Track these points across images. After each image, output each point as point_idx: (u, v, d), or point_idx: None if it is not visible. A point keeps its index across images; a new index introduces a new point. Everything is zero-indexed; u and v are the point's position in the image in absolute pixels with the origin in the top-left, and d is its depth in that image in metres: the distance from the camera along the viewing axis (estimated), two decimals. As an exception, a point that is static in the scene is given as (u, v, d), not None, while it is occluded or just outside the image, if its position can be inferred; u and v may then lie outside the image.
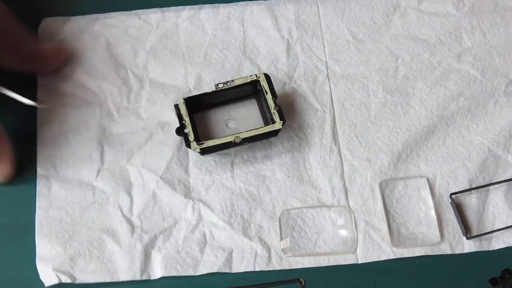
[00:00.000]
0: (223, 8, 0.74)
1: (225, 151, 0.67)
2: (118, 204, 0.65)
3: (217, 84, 0.66)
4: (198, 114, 0.69)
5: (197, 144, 0.64)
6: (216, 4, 0.74)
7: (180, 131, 0.65)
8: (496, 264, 0.65)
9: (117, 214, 0.65)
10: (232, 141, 0.64)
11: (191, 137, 0.64)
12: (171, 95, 0.69)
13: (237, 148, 0.67)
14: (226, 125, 0.68)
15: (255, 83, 0.67)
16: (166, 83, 0.70)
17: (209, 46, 0.72)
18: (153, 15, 0.73)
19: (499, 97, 0.70)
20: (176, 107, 0.65)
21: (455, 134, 0.68)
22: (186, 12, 0.73)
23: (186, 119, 0.64)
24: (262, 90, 0.65)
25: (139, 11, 0.73)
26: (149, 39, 0.72)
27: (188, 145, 0.64)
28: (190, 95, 0.67)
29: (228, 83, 0.66)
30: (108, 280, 0.63)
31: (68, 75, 0.70)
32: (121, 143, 0.67)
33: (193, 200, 0.66)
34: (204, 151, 0.64)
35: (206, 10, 0.73)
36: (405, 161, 0.68)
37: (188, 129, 0.64)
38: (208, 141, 0.64)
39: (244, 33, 0.72)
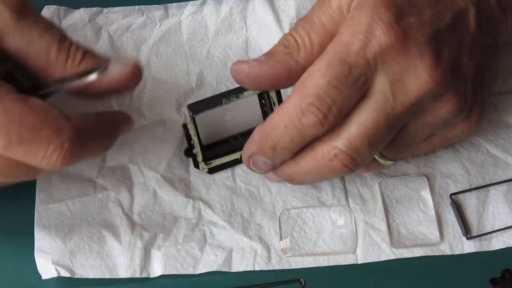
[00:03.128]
0: (225, 4, 0.73)
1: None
2: (119, 201, 0.65)
3: (224, 99, 0.62)
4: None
5: (205, 164, 0.65)
6: (219, -2, 0.74)
7: (188, 152, 0.66)
8: (496, 264, 0.65)
9: (117, 210, 0.65)
10: (238, 159, 0.65)
11: (200, 158, 0.65)
12: (173, 92, 0.69)
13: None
14: (225, 119, 0.68)
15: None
16: (168, 81, 0.70)
17: (212, 44, 0.72)
18: (157, 12, 0.73)
19: (498, 97, 0.70)
20: (185, 127, 0.64)
21: (455, 133, 0.68)
22: (189, 8, 0.73)
23: (195, 139, 0.65)
24: (270, 102, 0.65)
25: (143, 6, 0.73)
26: (151, 36, 0.72)
27: (196, 165, 0.65)
28: (197, 104, 0.63)
29: (238, 96, 0.62)
30: (107, 276, 0.63)
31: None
32: (123, 141, 0.67)
33: (193, 199, 0.66)
34: (211, 171, 0.66)
35: (209, 6, 0.73)
36: (405, 161, 0.68)
37: (197, 149, 0.65)
38: (215, 160, 0.65)
39: (246, 31, 0.72)
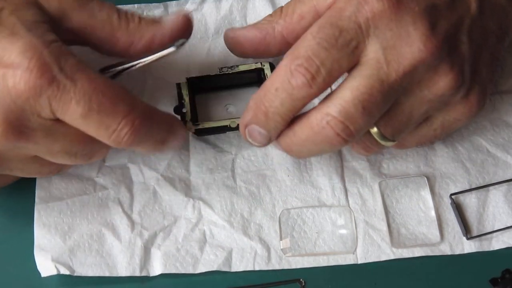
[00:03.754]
0: (225, 2, 0.73)
1: (226, 149, 0.68)
2: (119, 200, 0.65)
3: (221, 68, 0.66)
4: (200, 95, 0.69)
5: (192, 124, 0.64)
6: (219, -4, 0.74)
7: (178, 109, 0.65)
8: (496, 264, 0.65)
9: (117, 209, 0.65)
10: (228, 125, 0.64)
11: (188, 117, 0.64)
12: (174, 92, 0.68)
13: (238, 146, 0.67)
14: (227, 109, 0.69)
15: (259, 72, 0.67)
16: (169, 81, 0.70)
17: (212, 43, 0.72)
18: (156, 10, 0.73)
19: (498, 96, 0.71)
20: (178, 85, 0.66)
21: (455, 133, 0.68)
22: (188, 6, 0.73)
23: (186, 98, 0.65)
24: (265, 79, 0.65)
25: (143, 5, 0.73)
26: (152, 35, 0.72)
27: (184, 124, 0.64)
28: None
29: (233, 68, 0.66)
30: (107, 274, 0.63)
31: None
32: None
33: (193, 199, 0.66)
34: (198, 132, 0.65)
35: (209, 4, 0.73)
36: (405, 161, 0.68)
37: (186, 109, 0.64)
38: (204, 123, 0.64)
39: (247, 29, 0.72)
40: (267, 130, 0.58)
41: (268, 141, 0.60)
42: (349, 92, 0.54)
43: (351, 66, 0.55)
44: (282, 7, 0.63)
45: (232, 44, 0.64)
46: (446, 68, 0.55)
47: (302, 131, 0.57)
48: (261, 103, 0.57)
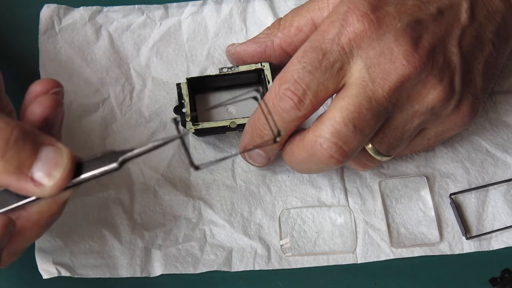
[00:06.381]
0: (226, 5, 0.73)
1: (226, 149, 0.68)
2: (119, 201, 0.65)
3: (222, 68, 0.67)
4: (200, 95, 0.69)
5: (192, 124, 0.64)
6: (219, -1, 0.74)
7: (178, 109, 0.65)
8: (496, 264, 0.65)
9: (118, 210, 0.65)
10: (227, 126, 0.64)
11: (188, 117, 0.64)
12: (173, 93, 0.69)
13: (238, 146, 0.67)
14: (227, 109, 0.69)
15: (259, 72, 0.67)
16: (169, 82, 0.70)
17: (212, 45, 0.72)
18: (157, 11, 0.73)
19: (498, 96, 0.70)
20: (178, 86, 0.66)
21: (454, 133, 0.68)
22: (189, 8, 0.73)
23: (186, 98, 0.65)
24: (265, 80, 0.66)
25: (143, 6, 0.73)
26: (152, 36, 0.72)
27: (183, 124, 0.64)
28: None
29: (233, 68, 0.66)
30: (107, 275, 0.63)
31: (70, 68, 0.70)
32: (123, 141, 0.67)
33: (193, 199, 0.66)
34: (198, 132, 0.65)
35: (209, 7, 0.73)
36: (404, 161, 0.68)
37: (186, 109, 0.65)
38: (204, 123, 0.64)
39: (246, 32, 0.72)
40: (265, 151, 0.61)
41: (267, 161, 0.63)
42: (338, 112, 0.54)
43: (338, 87, 0.55)
44: (280, 19, 0.65)
45: (234, 59, 0.67)
46: (435, 81, 0.55)
47: (299, 152, 0.57)
48: (256, 127, 0.58)
